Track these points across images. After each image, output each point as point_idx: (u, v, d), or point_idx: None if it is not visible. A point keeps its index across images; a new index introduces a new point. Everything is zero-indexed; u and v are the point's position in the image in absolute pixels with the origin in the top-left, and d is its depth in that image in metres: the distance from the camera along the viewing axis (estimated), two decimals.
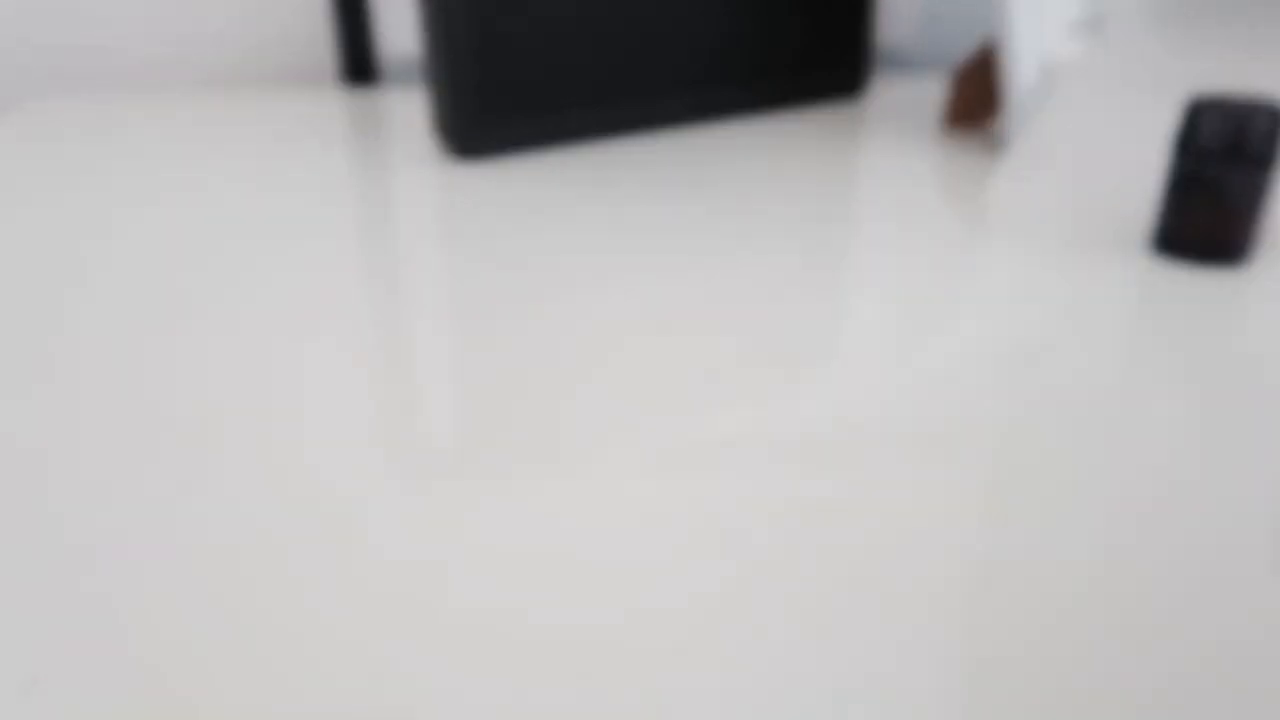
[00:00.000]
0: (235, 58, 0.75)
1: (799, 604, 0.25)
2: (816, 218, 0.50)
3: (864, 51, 0.68)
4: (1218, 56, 0.73)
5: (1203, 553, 0.26)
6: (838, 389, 0.35)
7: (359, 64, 0.74)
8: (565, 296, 0.42)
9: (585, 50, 0.59)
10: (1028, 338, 0.38)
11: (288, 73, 0.76)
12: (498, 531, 0.28)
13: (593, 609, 0.25)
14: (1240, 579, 0.25)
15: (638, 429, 0.33)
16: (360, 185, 0.55)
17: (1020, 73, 0.56)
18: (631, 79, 0.61)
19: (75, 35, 0.73)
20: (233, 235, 0.49)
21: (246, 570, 0.27)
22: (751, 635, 0.24)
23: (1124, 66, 0.71)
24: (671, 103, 0.63)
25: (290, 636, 0.25)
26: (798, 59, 0.66)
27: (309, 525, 0.28)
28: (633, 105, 0.62)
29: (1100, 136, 0.59)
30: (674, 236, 0.48)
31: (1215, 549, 0.27)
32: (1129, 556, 0.27)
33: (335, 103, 0.69)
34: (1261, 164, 0.42)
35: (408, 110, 0.67)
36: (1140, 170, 0.54)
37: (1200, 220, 0.43)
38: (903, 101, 0.68)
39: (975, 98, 0.60)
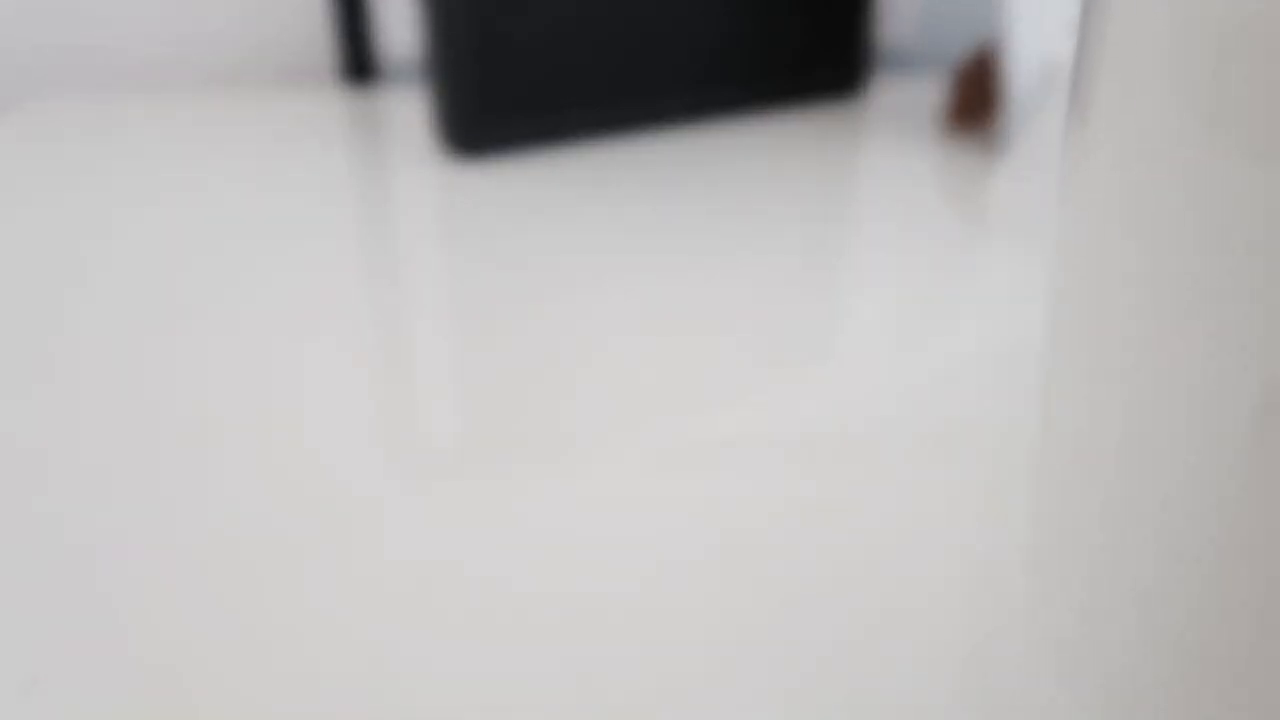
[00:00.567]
0: (235, 57, 0.75)
1: (799, 604, 0.25)
2: (816, 217, 0.50)
3: (864, 51, 0.69)
4: None
5: None
6: (838, 388, 0.35)
7: (359, 63, 0.74)
8: (565, 296, 0.42)
9: (586, 50, 0.59)
10: (1028, 337, 0.38)
11: (288, 72, 0.76)
12: (497, 531, 0.28)
13: (592, 610, 0.25)
14: None
15: (638, 428, 0.33)
16: (360, 185, 0.55)
17: (1020, 73, 0.56)
18: (632, 78, 0.61)
19: (75, 35, 0.73)
20: (232, 235, 0.49)
21: (246, 569, 0.27)
22: (751, 637, 0.24)
23: None
24: (672, 102, 0.63)
25: (292, 635, 0.25)
26: (798, 58, 0.66)
27: (308, 524, 0.29)
28: (633, 104, 0.62)
29: None
30: (674, 236, 0.48)
31: None
32: None
33: (335, 103, 0.69)
34: None
35: (408, 110, 0.67)
36: None
37: None
38: (903, 101, 0.68)
39: (975, 98, 0.60)
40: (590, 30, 0.59)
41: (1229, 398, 0.11)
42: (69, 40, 0.73)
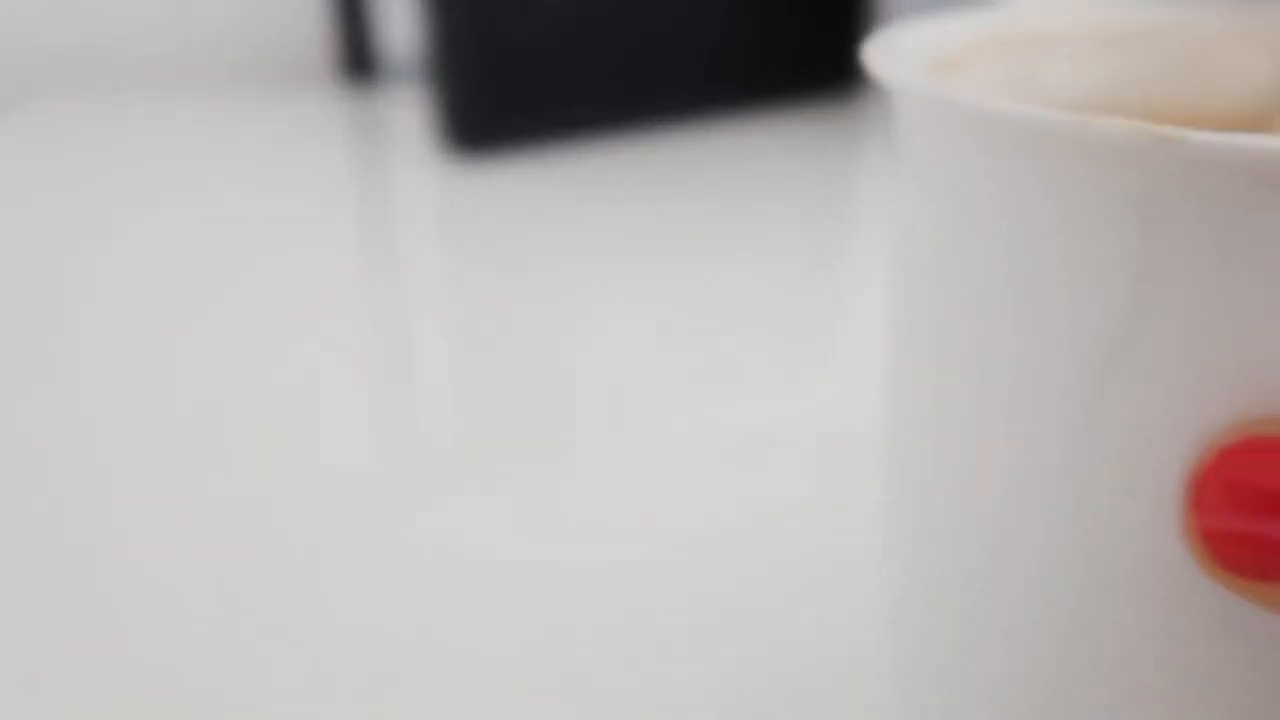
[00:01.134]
0: (235, 56, 0.75)
1: (799, 604, 0.25)
2: (816, 216, 0.50)
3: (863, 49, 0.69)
4: None
5: None
6: (838, 388, 0.35)
7: (358, 62, 0.74)
8: (565, 295, 0.42)
9: (585, 49, 0.59)
10: None
11: (287, 71, 0.76)
12: (496, 531, 0.28)
13: (592, 611, 0.25)
14: None
15: (638, 429, 0.33)
16: (360, 184, 0.55)
17: None
18: (632, 77, 0.61)
19: (75, 35, 0.73)
20: (232, 235, 0.49)
21: (245, 570, 0.27)
22: (752, 637, 0.24)
23: None
24: (671, 100, 0.63)
25: (292, 635, 0.25)
26: (797, 57, 0.66)
27: (307, 523, 0.29)
28: (633, 103, 0.62)
29: None
30: (674, 235, 0.48)
31: None
32: None
33: (335, 102, 0.69)
34: None
35: (408, 110, 0.67)
36: None
37: None
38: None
39: None
40: (590, 29, 0.59)
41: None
42: (69, 40, 0.73)
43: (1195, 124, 0.15)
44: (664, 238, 0.48)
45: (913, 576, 0.15)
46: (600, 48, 0.59)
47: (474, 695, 0.23)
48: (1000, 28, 0.16)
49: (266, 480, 0.31)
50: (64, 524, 0.29)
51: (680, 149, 0.60)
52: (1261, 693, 0.11)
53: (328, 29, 0.76)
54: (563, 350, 0.38)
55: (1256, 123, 0.16)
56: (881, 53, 0.14)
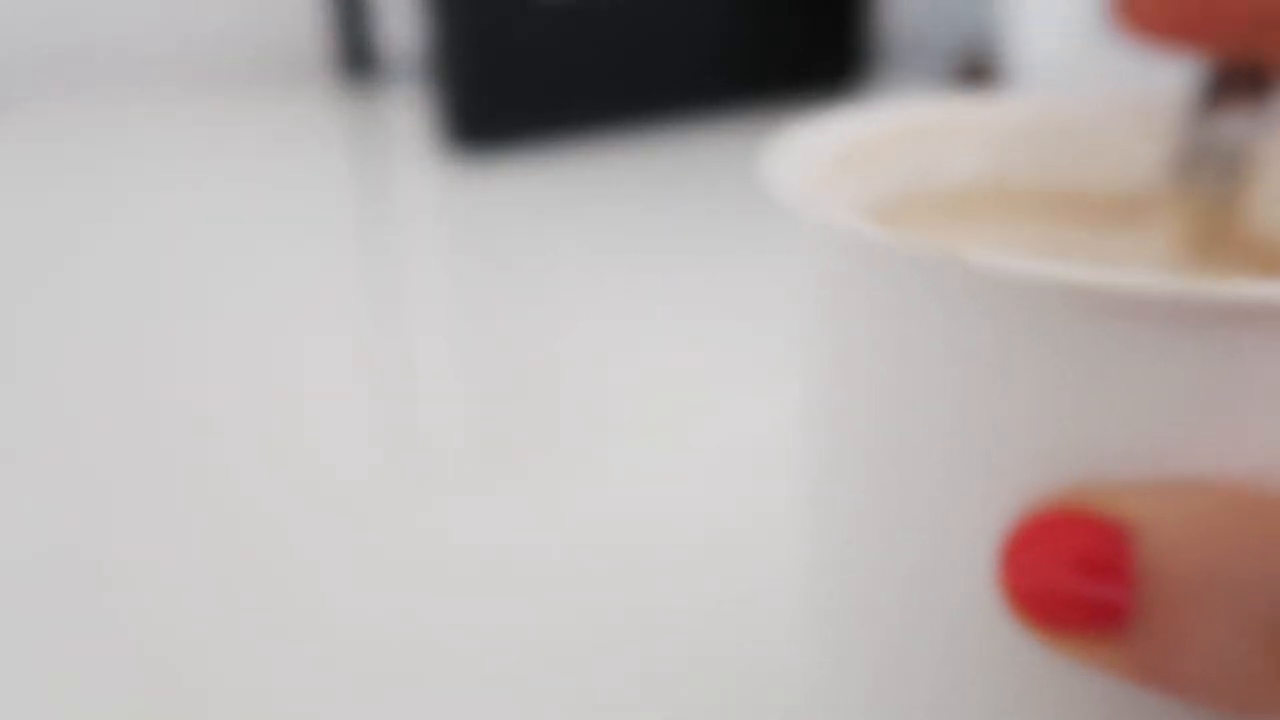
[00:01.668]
0: (234, 56, 0.75)
1: (800, 603, 0.25)
2: None
3: (863, 47, 0.68)
4: None
5: None
6: None
7: (358, 61, 0.74)
8: (566, 295, 0.42)
9: (586, 48, 0.59)
10: None
11: (287, 70, 0.76)
12: (495, 531, 0.28)
13: (591, 612, 0.25)
14: None
15: (639, 430, 0.33)
16: (360, 184, 0.55)
17: (1027, 53, 0.55)
18: (632, 76, 0.61)
19: (75, 35, 0.73)
20: (232, 234, 0.49)
21: (243, 571, 0.27)
22: (750, 639, 0.24)
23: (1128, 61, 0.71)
24: (672, 99, 0.63)
25: (292, 636, 0.25)
26: (797, 55, 0.66)
27: (307, 524, 0.29)
28: (633, 102, 0.62)
29: None
30: (675, 235, 0.48)
31: None
32: None
33: (335, 101, 0.69)
34: None
35: (407, 109, 0.67)
36: None
37: None
38: (907, 96, 0.68)
39: None
40: (590, 29, 0.59)
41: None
42: (69, 40, 0.73)
43: (1079, 204, 0.17)
44: (664, 237, 0.48)
45: (823, 588, 0.17)
46: (600, 47, 0.59)
47: (473, 693, 0.23)
48: (894, 123, 0.17)
49: (266, 479, 0.31)
50: (61, 524, 0.29)
51: (680, 148, 0.60)
52: None
53: (327, 28, 0.76)
54: (563, 349, 0.38)
55: (1138, 202, 0.17)
56: (779, 154, 0.15)
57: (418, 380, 0.36)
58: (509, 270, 0.44)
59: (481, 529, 0.28)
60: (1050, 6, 0.57)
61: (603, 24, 0.59)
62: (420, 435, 0.33)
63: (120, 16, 0.73)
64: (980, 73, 0.61)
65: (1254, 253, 0.16)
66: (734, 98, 0.65)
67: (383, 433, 0.33)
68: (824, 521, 0.15)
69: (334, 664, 0.24)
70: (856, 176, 0.17)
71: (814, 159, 0.16)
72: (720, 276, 0.44)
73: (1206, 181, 0.16)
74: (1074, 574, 0.11)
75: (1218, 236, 0.16)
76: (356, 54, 0.74)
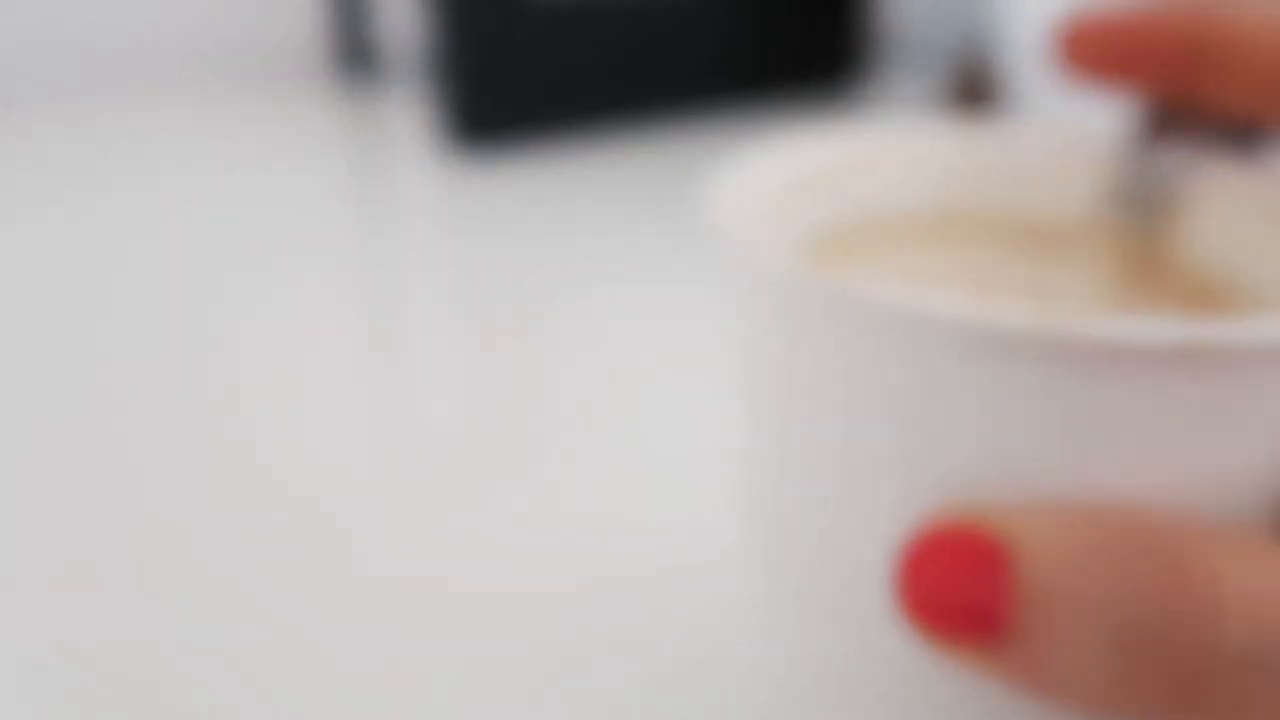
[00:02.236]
0: (234, 55, 0.75)
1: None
2: None
3: (864, 47, 0.69)
4: None
5: None
6: None
7: (358, 60, 0.74)
8: (566, 295, 0.42)
9: (587, 48, 0.59)
10: None
11: (287, 69, 0.76)
12: (494, 531, 0.28)
13: (590, 612, 0.25)
14: None
15: (640, 431, 0.33)
16: (360, 184, 0.55)
17: (1016, 60, 0.56)
18: (632, 75, 0.61)
19: (75, 35, 0.73)
20: (232, 234, 0.49)
21: (242, 573, 0.27)
22: (745, 639, 0.24)
23: None
24: (672, 99, 0.63)
25: (291, 644, 0.25)
26: (798, 55, 0.66)
27: (306, 524, 0.29)
28: (633, 101, 0.62)
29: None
30: (676, 236, 0.48)
31: None
32: None
33: (335, 101, 0.69)
34: None
35: (408, 109, 0.67)
36: None
37: None
38: (900, 93, 0.68)
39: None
40: (590, 28, 0.59)
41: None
42: (69, 40, 0.73)
43: (1019, 233, 0.18)
44: (666, 237, 0.48)
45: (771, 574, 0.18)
46: (600, 47, 0.60)
47: (474, 691, 0.23)
48: (847, 151, 0.18)
49: (265, 480, 0.31)
50: (61, 522, 0.29)
51: (679, 147, 0.60)
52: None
53: (327, 28, 0.76)
54: (563, 350, 0.38)
55: (1074, 233, 0.18)
56: (726, 180, 0.16)
57: (417, 380, 0.36)
58: (509, 268, 0.45)
59: (482, 528, 0.28)
60: (1048, 6, 0.57)
61: (603, 24, 0.59)
62: (420, 436, 0.33)
63: (120, 17, 0.73)
64: (976, 88, 0.61)
65: (1183, 285, 0.17)
66: (733, 97, 0.65)
67: (381, 432, 0.33)
68: (756, 528, 0.16)
69: (337, 677, 0.24)
70: (808, 203, 0.18)
71: (764, 185, 0.17)
72: (721, 275, 0.44)
73: (1141, 215, 0.16)
74: (957, 586, 0.12)
75: (1150, 269, 0.17)
76: (356, 54, 0.74)
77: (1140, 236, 0.17)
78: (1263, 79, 0.15)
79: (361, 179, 0.56)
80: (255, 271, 0.45)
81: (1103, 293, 0.17)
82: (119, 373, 0.37)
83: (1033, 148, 0.18)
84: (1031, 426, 0.12)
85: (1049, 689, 0.11)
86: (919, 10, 0.78)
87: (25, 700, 0.23)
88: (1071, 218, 0.18)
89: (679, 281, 0.43)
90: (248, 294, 0.43)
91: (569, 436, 0.33)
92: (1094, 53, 0.16)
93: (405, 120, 0.65)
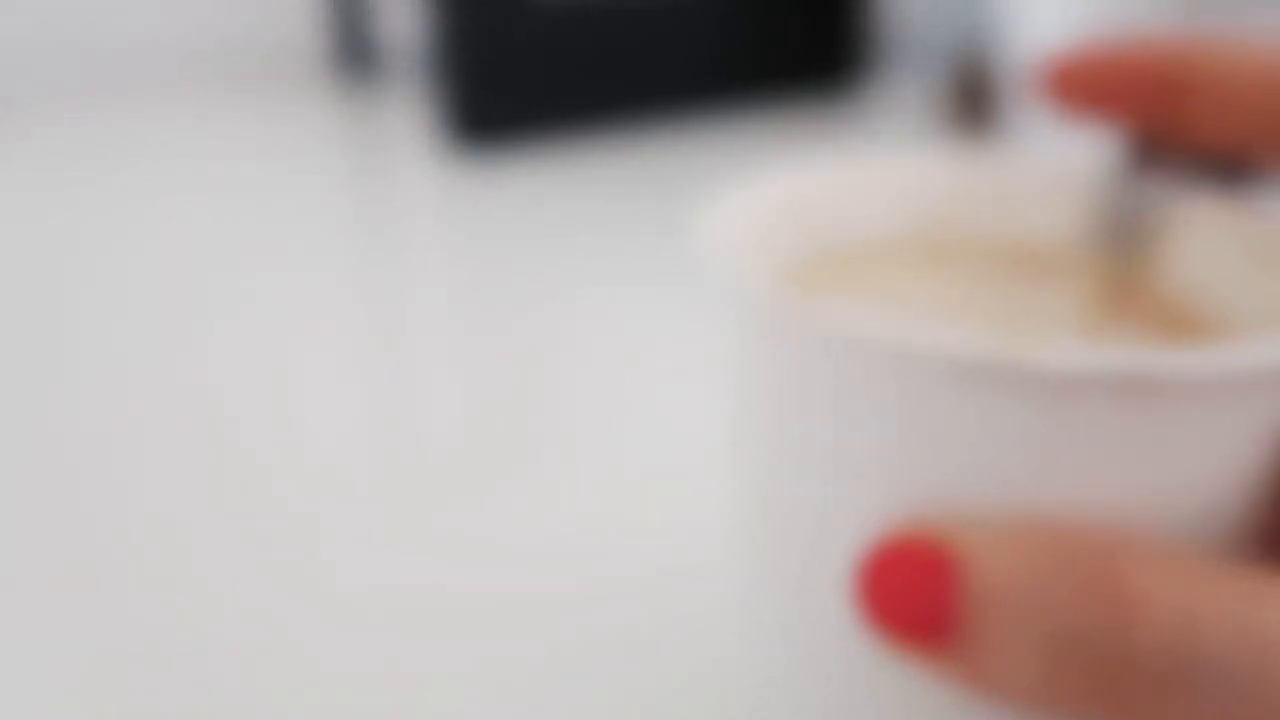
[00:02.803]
0: (234, 55, 0.75)
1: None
2: None
3: (865, 47, 0.69)
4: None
5: None
6: None
7: (357, 60, 0.74)
8: (566, 295, 0.42)
9: (587, 49, 0.59)
10: None
11: (286, 69, 0.76)
12: (492, 531, 0.28)
13: (588, 612, 0.25)
14: None
15: (640, 431, 0.33)
16: (360, 184, 0.55)
17: (1015, 66, 0.56)
18: (633, 76, 0.61)
19: (75, 36, 0.73)
20: (232, 233, 0.49)
21: (241, 574, 0.27)
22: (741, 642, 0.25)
23: None
24: (672, 99, 0.63)
25: (290, 644, 0.25)
26: (798, 55, 0.66)
27: (305, 525, 0.29)
28: (634, 101, 0.62)
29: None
30: (675, 235, 0.48)
31: None
32: None
33: (335, 101, 0.69)
34: None
35: (408, 108, 0.67)
36: None
37: None
38: (905, 96, 0.68)
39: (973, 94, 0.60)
40: (590, 28, 0.59)
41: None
42: (68, 40, 0.73)
43: (1002, 259, 0.19)
44: (666, 237, 0.48)
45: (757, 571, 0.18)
46: (600, 47, 0.60)
47: (471, 693, 0.23)
48: (836, 178, 0.19)
49: (265, 479, 0.31)
50: (60, 522, 0.29)
51: (680, 146, 0.60)
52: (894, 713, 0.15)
53: (327, 27, 0.76)
54: (563, 350, 0.38)
55: (1055, 260, 0.19)
56: (718, 206, 0.17)
57: (416, 380, 0.36)
58: (508, 269, 0.45)
59: (483, 526, 0.28)
60: (1049, 6, 0.57)
61: (603, 24, 0.59)
62: (420, 437, 0.33)
63: (120, 17, 0.73)
64: (976, 88, 0.61)
65: (1162, 314, 0.17)
66: (733, 97, 0.65)
67: (381, 433, 0.33)
68: (739, 526, 0.17)
69: (334, 677, 0.24)
70: (796, 228, 0.18)
71: (754, 211, 0.18)
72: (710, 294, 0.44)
73: (1123, 244, 0.17)
74: (912, 594, 0.13)
75: (1130, 297, 0.17)
76: (356, 53, 0.74)
77: (1122, 265, 0.17)
78: (1243, 115, 0.15)
79: (361, 179, 0.56)
80: (255, 271, 0.45)
81: (1083, 319, 0.17)
82: (118, 372, 0.37)
83: (1019, 175, 0.19)
84: (990, 448, 0.13)
85: (993, 691, 0.12)
86: (919, 11, 0.78)
87: (25, 700, 0.23)
88: (1055, 244, 0.19)
89: (678, 281, 0.43)
90: (248, 293, 0.43)
91: (569, 436, 0.33)
92: (1075, 87, 0.16)
93: (405, 120, 0.65)
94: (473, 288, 0.43)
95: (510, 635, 0.25)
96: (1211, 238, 0.17)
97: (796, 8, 0.65)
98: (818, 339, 0.13)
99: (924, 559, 0.13)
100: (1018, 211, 0.19)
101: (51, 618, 0.25)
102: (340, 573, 0.27)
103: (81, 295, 0.43)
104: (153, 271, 0.45)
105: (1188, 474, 0.13)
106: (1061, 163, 0.19)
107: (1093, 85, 0.16)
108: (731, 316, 0.16)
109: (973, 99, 0.61)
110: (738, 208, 0.17)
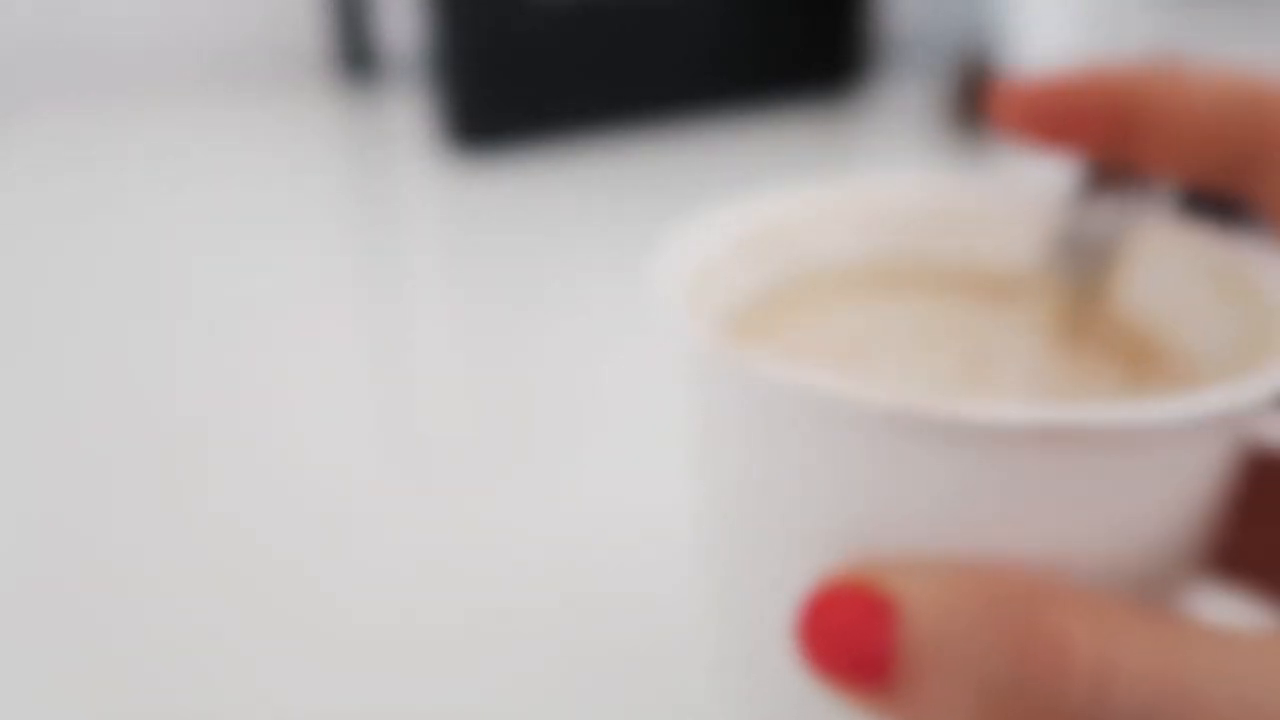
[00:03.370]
0: (235, 55, 0.75)
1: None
2: None
3: (865, 47, 0.69)
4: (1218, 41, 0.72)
5: None
6: None
7: (357, 61, 0.74)
8: (565, 296, 0.42)
9: (587, 49, 0.59)
10: None
11: (287, 70, 0.76)
12: (492, 531, 0.28)
13: (587, 612, 0.25)
14: None
15: (640, 431, 0.33)
16: (360, 184, 0.55)
17: (1026, 53, 0.56)
18: (632, 77, 0.61)
19: (75, 36, 0.73)
20: (233, 233, 0.49)
21: (240, 575, 0.27)
22: None
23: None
24: (672, 100, 0.63)
25: (290, 640, 0.25)
26: (798, 56, 0.66)
27: (304, 525, 0.29)
28: (634, 102, 0.62)
29: None
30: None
31: None
32: None
33: (335, 102, 0.69)
34: None
35: (408, 109, 0.67)
36: None
37: None
38: (900, 96, 0.68)
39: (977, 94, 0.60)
40: (590, 28, 0.59)
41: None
42: (68, 41, 0.73)
43: (962, 284, 0.19)
44: (662, 236, 0.48)
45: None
46: (600, 47, 0.60)
47: (472, 691, 0.23)
48: (793, 206, 0.19)
49: (264, 480, 0.31)
50: (57, 530, 0.29)
51: (680, 146, 0.60)
52: None
53: (327, 28, 0.76)
54: (562, 350, 0.38)
55: (1012, 285, 0.19)
56: (661, 256, 0.17)
57: (416, 380, 0.36)
58: (508, 268, 0.45)
59: (485, 522, 0.28)
60: (1049, 7, 0.57)
61: (603, 24, 0.59)
62: (420, 435, 0.33)
63: (120, 17, 0.73)
64: (976, 90, 0.61)
65: (1119, 338, 0.17)
66: (733, 97, 0.65)
67: (381, 432, 0.33)
68: (697, 556, 0.18)
69: (336, 673, 0.24)
70: (759, 257, 0.19)
71: (713, 243, 0.18)
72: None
73: (1082, 268, 0.17)
74: (850, 637, 0.13)
75: (1085, 320, 0.17)
76: (356, 54, 0.74)
77: (1081, 290, 0.17)
78: (1192, 147, 0.15)
79: (361, 179, 0.56)
80: (256, 271, 0.45)
81: (1039, 347, 0.18)
82: (118, 372, 0.37)
83: (984, 198, 0.19)
84: (923, 495, 0.13)
85: None
86: (919, 12, 0.78)
87: (25, 700, 0.23)
88: (1018, 269, 0.19)
89: None
90: (248, 293, 0.43)
91: (569, 436, 0.33)
92: (1028, 116, 0.17)
93: (405, 120, 0.65)
94: (472, 287, 0.43)
95: (511, 637, 0.25)
96: (1172, 262, 0.17)
97: (797, 9, 0.65)
98: (751, 390, 0.14)
99: (862, 602, 0.13)
100: (982, 235, 0.19)
101: (51, 618, 0.25)
102: (339, 573, 0.27)
103: (82, 295, 0.43)
104: (153, 271, 0.45)
105: (1126, 516, 0.13)
106: (1026, 186, 0.19)
107: (1047, 116, 0.16)
108: (679, 357, 0.16)
109: (973, 101, 0.61)
110: (692, 243, 0.18)
